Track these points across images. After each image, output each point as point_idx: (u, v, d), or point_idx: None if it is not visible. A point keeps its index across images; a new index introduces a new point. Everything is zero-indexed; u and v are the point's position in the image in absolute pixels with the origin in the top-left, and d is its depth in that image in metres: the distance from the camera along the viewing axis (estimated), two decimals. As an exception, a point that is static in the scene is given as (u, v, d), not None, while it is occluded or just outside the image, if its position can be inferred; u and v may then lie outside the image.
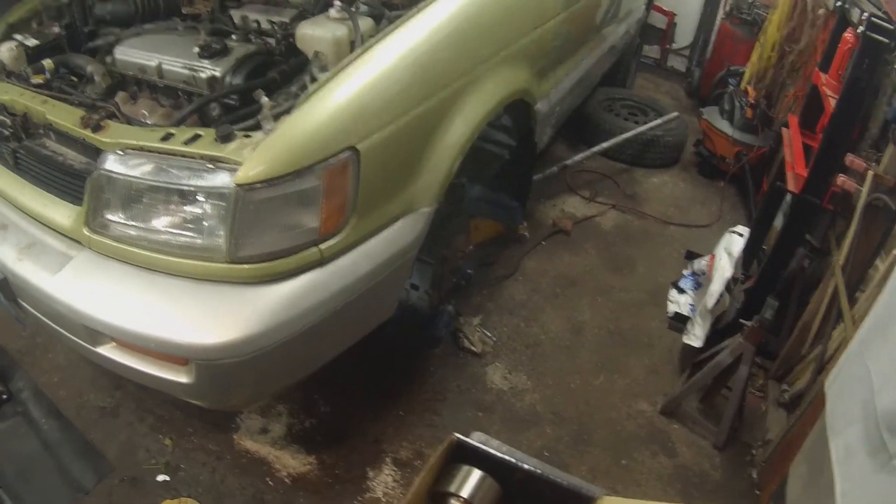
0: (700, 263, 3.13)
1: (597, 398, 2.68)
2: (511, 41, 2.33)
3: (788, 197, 2.85)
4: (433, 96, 1.97)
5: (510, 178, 2.94)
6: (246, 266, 1.68)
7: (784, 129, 3.01)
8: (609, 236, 3.63)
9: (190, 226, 1.68)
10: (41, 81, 2.07)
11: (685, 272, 3.25)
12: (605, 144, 3.90)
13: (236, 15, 2.36)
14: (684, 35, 5.72)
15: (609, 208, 3.83)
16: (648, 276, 3.35)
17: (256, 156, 1.63)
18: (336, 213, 1.76)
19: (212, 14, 2.44)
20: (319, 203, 1.71)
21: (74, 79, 2.14)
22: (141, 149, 1.68)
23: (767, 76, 4.10)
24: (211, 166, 1.63)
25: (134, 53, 2.11)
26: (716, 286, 2.68)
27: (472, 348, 2.79)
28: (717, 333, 2.75)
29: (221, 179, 1.62)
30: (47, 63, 2.10)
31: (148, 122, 1.91)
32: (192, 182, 1.63)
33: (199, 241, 1.67)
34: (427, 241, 2.29)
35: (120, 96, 2.05)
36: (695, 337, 2.75)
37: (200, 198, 1.65)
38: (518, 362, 2.80)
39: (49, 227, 1.85)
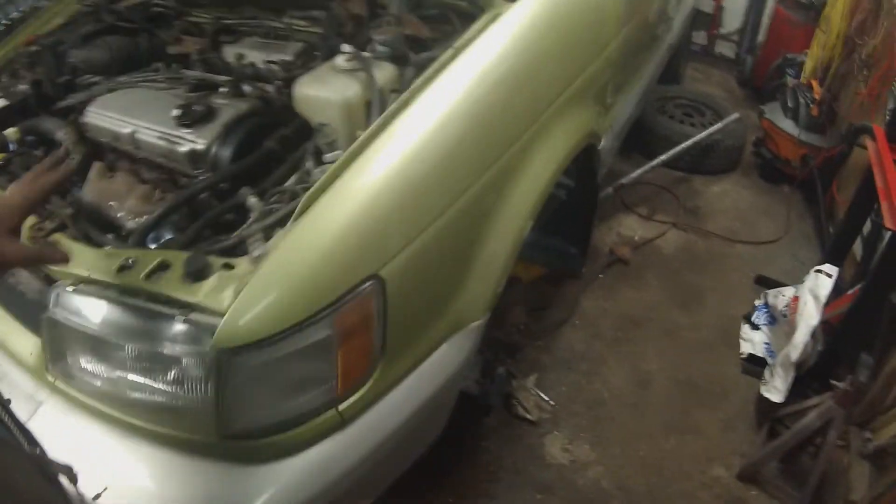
0: (776, 298, 2.77)
1: (668, 466, 2.36)
2: (575, 75, 1.94)
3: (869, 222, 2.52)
4: (485, 173, 1.59)
5: (568, 220, 2.59)
6: (242, 442, 1.33)
7: (869, 142, 2.67)
8: (672, 262, 3.28)
9: (166, 389, 1.29)
10: (1, 161, 1.78)
11: (758, 303, 2.87)
12: (662, 157, 3.50)
13: (231, 53, 2.01)
14: (733, 19, 5.20)
15: (669, 227, 3.47)
16: (718, 308, 2.99)
17: (241, 306, 1.23)
18: (358, 364, 1.39)
19: (201, 55, 2.03)
20: (334, 357, 1.33)
21: (38, 153, 1.80)
22: (94, 283, 1.35)
23: (832, 69, 3.63)
24: (180, 318, 1.26)
25: (105, 117, 1.76)
26: (801, 336, 2.32)
27: (528, 416, 2.49)
28: (798, 380, 2.41)
29: (196, 338, 1.25)
30: (11, 133, 1.80)
31: (120, 211, 1.59)
32: (159, 338, 1.27)
33: (179, 405, 1.30)
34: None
35: (96, 168, 1.70)
36: (775, 390, 2.42)
37: (173, 357, 1.28)
38: (579, 428, 2.48)
39: (15, 359, 1.52)
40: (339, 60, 1.67)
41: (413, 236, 1.41)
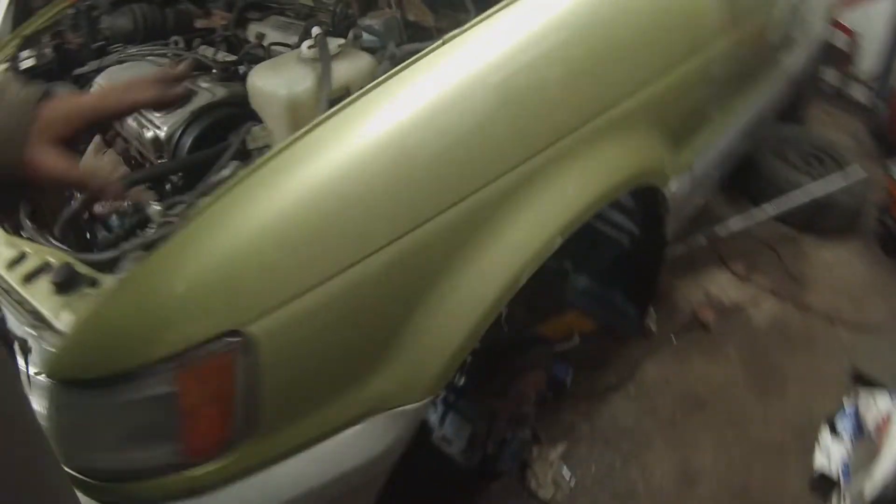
0: (867, 407, 2.33)
1: None
2: (623, 94, 1.53)
3: None
4: (449, 209, 1.22)
5: (630, 272, 2.20)
6: (88, 480, 1.12)
7: None
8: (759, 336, 2.79)
9: None
10: None
11: (846, 404, 2.37)
12: (770, 209, 3.04)
13: (253, 31, 1.85)
14: (870, 60, 4.49)
15: (766, 294, 2.99)
16: (800, 402, 2.49)
17: (78, 335, 1.04)
18: (213, 432, 1.11)
19: (225, 31, 1.90)
20: (178, 418, 1.07)
21: None
22: None
23: None
24: (35, 331, 1.08)
25: (104, 89, 1.64)
26: (882, 470, 1.86)
27: (540, 492, 2.12)
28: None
29: (40, 356, 1.08)
30: None
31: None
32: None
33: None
34: (469, 382, 1.81)
35: (94, 143, 1.55)
36: (841, 528, 2.04)
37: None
38: (595, 522, 2.11)
39: None
40: (304, 47, 1.39)
41: (312, 284, 1.09)
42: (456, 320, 1.29)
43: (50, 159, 0.95)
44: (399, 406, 1.29)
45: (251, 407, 1.11)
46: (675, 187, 1.86)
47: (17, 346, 0.97)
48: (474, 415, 1.89)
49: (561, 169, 1.41)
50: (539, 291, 2.25)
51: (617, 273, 2.17)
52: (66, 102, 1.01)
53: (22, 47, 1.97)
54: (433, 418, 1.95)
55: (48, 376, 1.05)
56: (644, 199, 1.86)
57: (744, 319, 2.86)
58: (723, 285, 3.02)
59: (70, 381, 1.06)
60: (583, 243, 2.00)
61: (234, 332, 1.04)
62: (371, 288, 1.17)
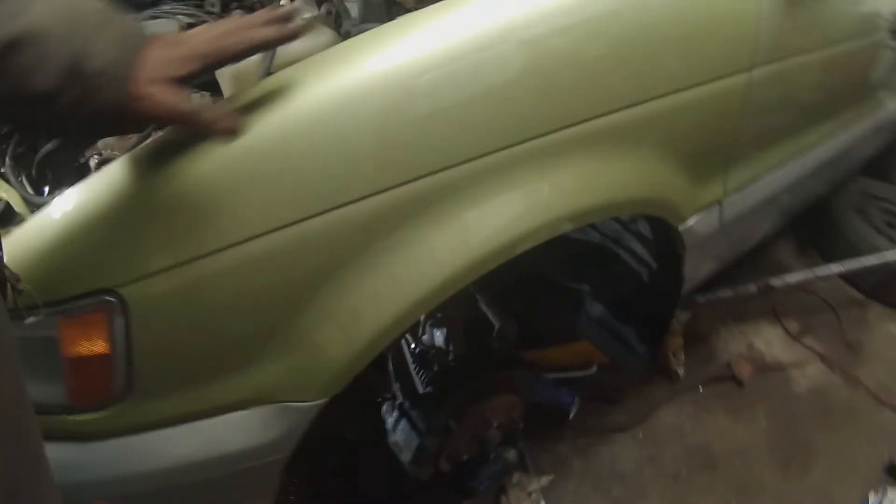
0: None
1: None
2: (639, 98, 1.35)
3: None
4: (377, 195, 1.10)
5: (644, 309, 2.00)
6: None
7: None
8: (797, 403, 2.52)
9: None
10: None
11: (871, 498, 2.13)
12: (839, 268, 2.69)
13: None
14: None
15: (814, 358, 2.70)
16: (821, 484, 2.22)
17: None
18: (93, 382, 1.10)
19: None
20: (60, 363, 1.07)
21: None
22: None
23: None
24: None
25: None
26: None
27: None
28: None
29: None
30: None
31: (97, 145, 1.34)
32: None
33: None
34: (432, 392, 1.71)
35: None
36: None
37: None
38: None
39: None
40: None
41: (202, 253, 1.03)
42: (365, 318, 1.18)
43: (161, 94, 0.87)
44: (288, 402, 1.21)
45: (127, 368, 1.08)
46: (695, 224, 1.67)
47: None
48: (426, 428, 1.75)
49: (547, 164, 1.27)
50: (550, 311, 2.13)
51: (633, 307, 1.99)
52: (183, 41, 0.93)
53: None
54: (390, 420, 1.85)
55: None
56: (659, 232, 1.69)
57: (783, 381, 2.60)
58: (769, 340, 2.76)
59: None
60: (602, 269, 1.86)
61: (110, 291, 1.02)
62: (271, 266, 1.08)
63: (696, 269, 1.84)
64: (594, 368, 2.23)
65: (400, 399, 1.84)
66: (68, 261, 1.02)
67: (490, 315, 1.92)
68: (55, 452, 0.94)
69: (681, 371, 2.50)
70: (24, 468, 0.65)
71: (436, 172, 1.14)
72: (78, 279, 1.02)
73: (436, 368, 1.86)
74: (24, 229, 1.06)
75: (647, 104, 1.37)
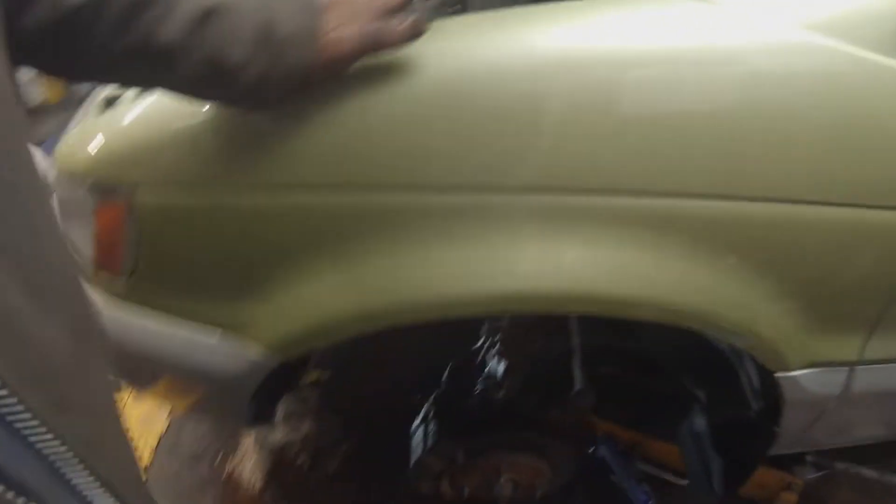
0: None
1: None
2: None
3: None
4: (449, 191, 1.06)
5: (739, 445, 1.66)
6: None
7: None
8: None
9: None
10: None
11: None
12: None
13: None
14: None
15: None
16: None
17: (69, 136, 1.29)
18: (110, 255, 1.23)
19: None
20: (91, 229, 1.21)
21: None
22: None
23: None
24: None
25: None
26: None
27: None
28: None
29: None
30: None
31: None
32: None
33: None
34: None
35: None
36: None
37: None
38: None
39: None
40: None
41: (205, 180, 1.10)
42: (333, 297, 1.15)
43: (345, 34, 0.90)
44: (248, 341, 1.24)
45: (132, 253, 1.20)
46: (804, 378, 1.29)
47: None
48: (431, 446, 1.64)
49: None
50: (660, 403, 1.87)
51: (729, 440, 1.68)
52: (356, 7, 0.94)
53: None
54: (417, 419, 1.76)
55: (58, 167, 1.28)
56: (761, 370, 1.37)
57: None
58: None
59: (60, 171, 1.27)
60: (719, 384, 1.59)
61: (136, 186, 1.13)
62: (284, 219, 1.11)
63: (802, 430, 1.46)
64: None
65: (430, 403, 1.74)
66: (114, 154, 1.16)
67: (576, 376, 1.73)
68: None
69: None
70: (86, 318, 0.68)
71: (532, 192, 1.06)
72: (115, 170, 1.15)
73: (475, 395, 1.73)
74: (97, 120, 1.24)
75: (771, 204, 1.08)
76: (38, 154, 1.06)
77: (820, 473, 1.93)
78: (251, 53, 0.84)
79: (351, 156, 1.04)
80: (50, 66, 0.89)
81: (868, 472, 1.95)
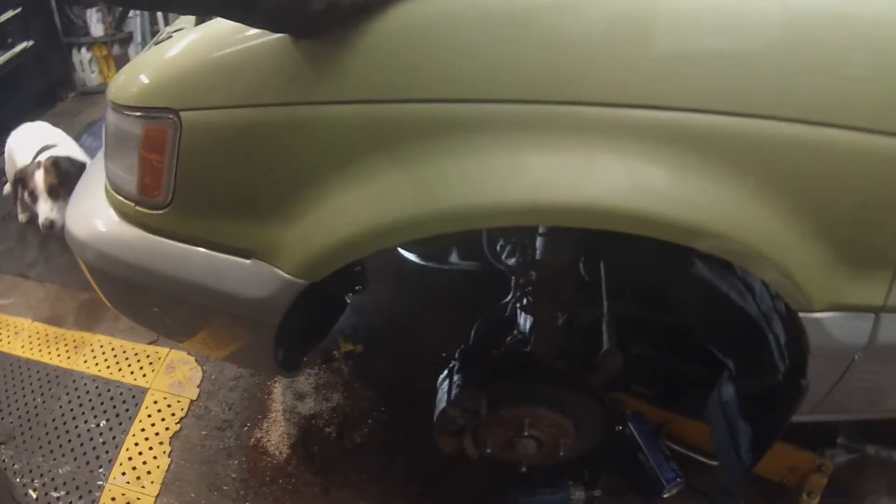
0: None
1: None
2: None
3: None
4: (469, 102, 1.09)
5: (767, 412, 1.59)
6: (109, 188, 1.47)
7: None
8: None
9: None
10: None
11: None
12: None
13: None
14: None
15: None
16: None
17: (122, 71, 1.40)
18: (152, 182, 1.32)
19: None
20: (137, 155, 1.31)
21: None
22: None
23: None
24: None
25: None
26: None
27: None
28: None
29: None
30: None
31: None
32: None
33: None
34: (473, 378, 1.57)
35: None
36: None
37: None
38: None
39: None
40: None
41: (256, 102, 1.17)
42: (357, 212, 1.20)
43: None
44: (277, 266, 1.31)
45: (173, 178, 1.29)
46: (830, 322, 1.26)
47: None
48: (454, 399, 1.64)
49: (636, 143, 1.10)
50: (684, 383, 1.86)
51: (759, 405, 1.64)
52: None
53: None
54: (441, 375, 1.77)
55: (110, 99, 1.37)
56: (789, 320, 1.36)
57: None
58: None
59: (112, 103, 1.36)
60: (749, 348, 1.57)
61: (175, 112, 1.23)
62: (306, 134, 1.18)
63: (829, 385, 1.44)
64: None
65: (456, 357, 1.75)
66: (160, 83, 1.26)
67: (606, 338, 1.73)
68: (134, 235, 1.40)
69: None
70: None
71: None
72: (161, 97, 1.24)
73: (502, 349, 1.73)
74: (144, 56, 1.39)
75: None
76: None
77: (851, 456, 1.88)
78: None
79: (382, 72, 1.11)
80: None
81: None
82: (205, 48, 1.22)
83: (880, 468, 2.04)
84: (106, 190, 1.50)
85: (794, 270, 1.21)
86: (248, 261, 1.34)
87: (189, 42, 1.25)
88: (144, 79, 1.28)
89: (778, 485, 1.93)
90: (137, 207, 1.38)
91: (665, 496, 1.92)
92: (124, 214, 1.44)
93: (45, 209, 2.89)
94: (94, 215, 1.51)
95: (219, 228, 1.33)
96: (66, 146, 3.20)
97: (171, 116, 1.23)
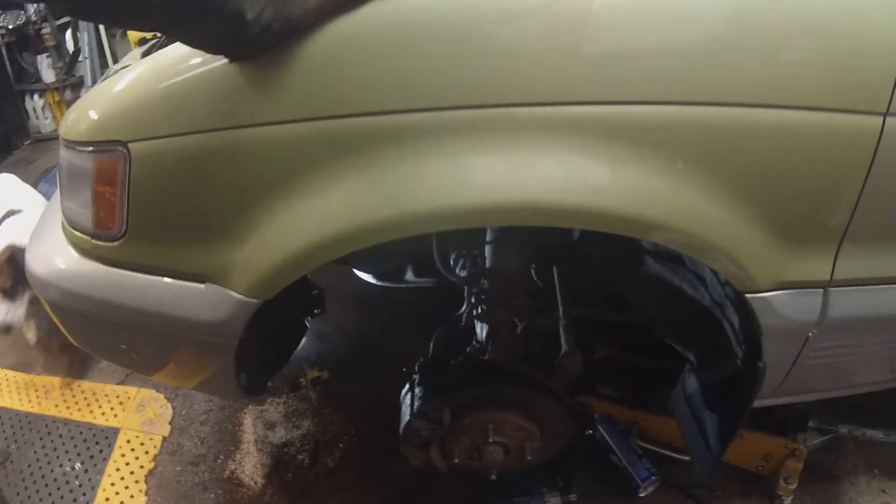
0: None
1: None
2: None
3: None
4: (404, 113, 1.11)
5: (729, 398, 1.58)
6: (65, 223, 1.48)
7: None
8: None
9: None
10: None
11: None
12: None
13: None
14: None
15: None
16: None
17: (72, 108, 1.42)
18: (107, 214, 1.33)
19: None
20: (91, 189, 1.33)
21: None
22: None
23: None
24: None
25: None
26: None
27: None
28: None
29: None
30: None
31: None
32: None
33: None
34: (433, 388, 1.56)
35: None
36: None
37: None
38: None
39: None
40: None
41: (198, 129, 1.19)
42: (300, 228, 1.21)
43: None
44: (231, 287, 1.32)
45: (125, 208, 1.30)
46: (777, 300, 1.26)
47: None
48: (417, 410, 1.62)
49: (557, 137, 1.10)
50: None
51: (722, 394, 1.63)
52: None
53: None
54: (405, 388, 1.74)
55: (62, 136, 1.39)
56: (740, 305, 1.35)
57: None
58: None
59: (64, 140, 1.38)
60: (707, 339, 1.57)
61: (120, 143, 1.24)
62: (249, 156, 1.19)
63: (788, 364, 1.43)
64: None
65: (416, 370, 1.72)
66: (109, 116, 1.27)
67: (563, 340, 1.72)
68: (92, 269, 1.42)
69: (787, 502, 1.98)
70: None
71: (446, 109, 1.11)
72: (110, 130, 1.26)
73: (459, 359, 1.72)
74: (93, 92, 1.39)
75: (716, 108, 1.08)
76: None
77: (824, 438, 1.87)
78: (262, 7, 1.00)
79: (320, 90, 1.12)
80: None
81: (873, 434, 1.88)
82: (149, 80, 1.24)
83: (855, 447, 2.02)
84: (63, 227, 1.50)
85: (735, 251, 1.20)
86: (202, 285, 1.35)
87: (135, 75, 1.26)
88: (93, 114, 1.30)
89: (755, 475, 1.90)
90: (94, 241, 1.39)
91: (641, 495, 1.90)
92: (82, 250, 1.44)
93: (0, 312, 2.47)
94: (53, 254, 1.51)
95: (173, 255, 1.34)
96: (32, 209, 2.78)
97: (120, 149, 1.24)
